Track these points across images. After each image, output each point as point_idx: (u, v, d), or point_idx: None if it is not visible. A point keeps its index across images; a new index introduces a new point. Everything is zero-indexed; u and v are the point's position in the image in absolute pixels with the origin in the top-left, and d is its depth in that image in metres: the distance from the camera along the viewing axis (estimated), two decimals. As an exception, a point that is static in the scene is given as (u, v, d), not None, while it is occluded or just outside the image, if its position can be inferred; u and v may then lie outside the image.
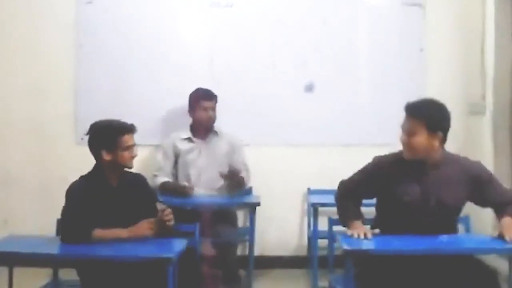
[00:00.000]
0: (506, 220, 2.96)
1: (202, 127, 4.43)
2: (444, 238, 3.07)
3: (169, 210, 3.09)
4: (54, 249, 3.00)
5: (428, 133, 2.91)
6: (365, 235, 2.94)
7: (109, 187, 3.15)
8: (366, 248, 2.87)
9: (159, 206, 3.15)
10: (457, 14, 4.80)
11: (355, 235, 2.95)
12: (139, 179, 3.32)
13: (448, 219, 3.09)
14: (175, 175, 4.42)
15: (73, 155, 4.65)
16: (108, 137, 3.11)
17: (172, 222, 3.07)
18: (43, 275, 3.57)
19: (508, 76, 4.47)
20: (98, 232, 2.97)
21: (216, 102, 4.43)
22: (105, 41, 4.76)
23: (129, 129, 3.17)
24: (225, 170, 4.26)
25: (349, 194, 3.17)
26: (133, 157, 3.18)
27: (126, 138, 3.13)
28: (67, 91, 4.74)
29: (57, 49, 4.77)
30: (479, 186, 3.04)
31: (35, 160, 4.78)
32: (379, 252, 2.87)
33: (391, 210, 3.08)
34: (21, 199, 4.76)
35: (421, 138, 2.91)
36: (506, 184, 4.38)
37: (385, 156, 3.11)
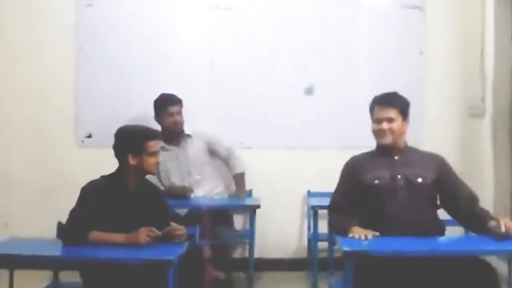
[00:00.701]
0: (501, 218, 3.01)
1: (171, 133, 4.36)
2: (443, 239, 3.10)
3: (184, 233, 3.11)
4: (54, 251, 2.99)
5: (401, 118, 3.20)
6: (365, 237, 2.96)
7: (126, 191, 3.15)
8: (366, 249, 2.88)
9: (176, 227, 3.13)
10: (456, 17, 4.80)
11: (356, 237, 2.97)
12: (156, 189, 3.34)
13: (422, 203, 3.13)
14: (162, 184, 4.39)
15: (73, 157, 4.67)
16: (135, 141, 3.12)
17: (179, 241, 3.08)
18: (44, 277, 3.56)
19: (508, 79, 4.48)
20: (95, 235, 2.97)
21: (181, 106, 4.37)
22: (105, 43, 4.77)
23: (155, 135, 3.21)
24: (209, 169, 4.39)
25: (337, 209, 3.24)
26: (157, 163, 3.21)
27: (152, 143, 3.15)
28: (68, 94, 4.74)
29: (57, 51, 4.77)
30: (444, 172, 3.20)
31: (35, 163, 4.78)
32: (379, 253, 2.86)
33: (366, 201, 3.16)
34: (21, 202, 4.76)
35: (398, 123, 3.19)
36: (505, 186, 4.41)
37: (355, 155, 3.33)
